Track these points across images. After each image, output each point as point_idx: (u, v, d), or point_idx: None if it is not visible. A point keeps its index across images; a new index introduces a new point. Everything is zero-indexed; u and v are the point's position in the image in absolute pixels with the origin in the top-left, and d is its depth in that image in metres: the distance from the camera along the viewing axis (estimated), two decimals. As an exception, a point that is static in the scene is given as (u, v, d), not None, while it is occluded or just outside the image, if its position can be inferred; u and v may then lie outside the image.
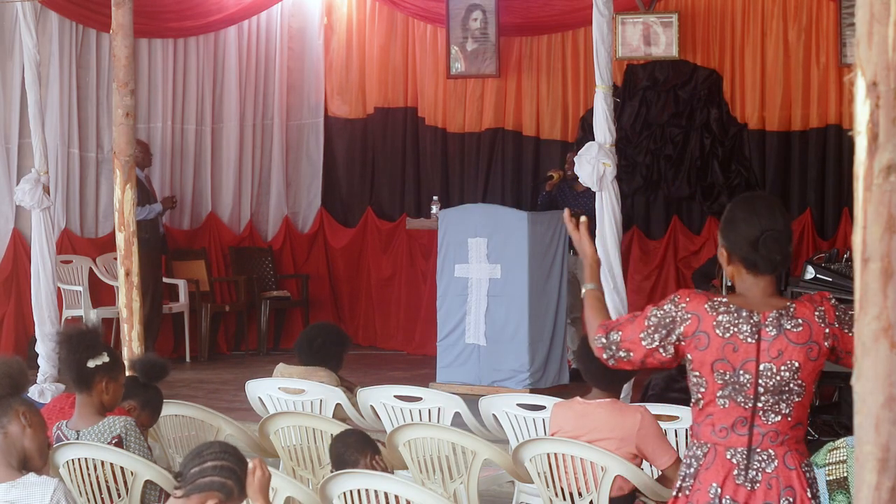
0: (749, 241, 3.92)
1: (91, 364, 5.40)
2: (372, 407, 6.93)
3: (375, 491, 4.92)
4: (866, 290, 2.37)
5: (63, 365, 5.67)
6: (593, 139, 8.81)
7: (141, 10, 9.44)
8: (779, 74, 11.80)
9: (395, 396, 6.93)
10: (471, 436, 6.08)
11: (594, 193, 8.83)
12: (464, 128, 13.24)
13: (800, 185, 11.87)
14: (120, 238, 8.20)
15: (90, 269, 12.09)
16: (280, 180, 13.53)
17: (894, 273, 2.34)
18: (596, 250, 4.34)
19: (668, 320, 3.94)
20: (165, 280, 12.40)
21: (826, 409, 9.19)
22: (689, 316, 3.92)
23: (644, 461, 5.51)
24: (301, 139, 13.74)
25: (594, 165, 8.61)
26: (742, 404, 3.89)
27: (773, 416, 3.89)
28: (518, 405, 6.56)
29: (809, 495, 3.91)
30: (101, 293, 12.09)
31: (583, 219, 4.32)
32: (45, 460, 4.45)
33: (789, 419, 3.90)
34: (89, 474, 5.40)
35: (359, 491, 4.95)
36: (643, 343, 3.95)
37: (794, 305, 3.91)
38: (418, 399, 6.92)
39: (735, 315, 3.89)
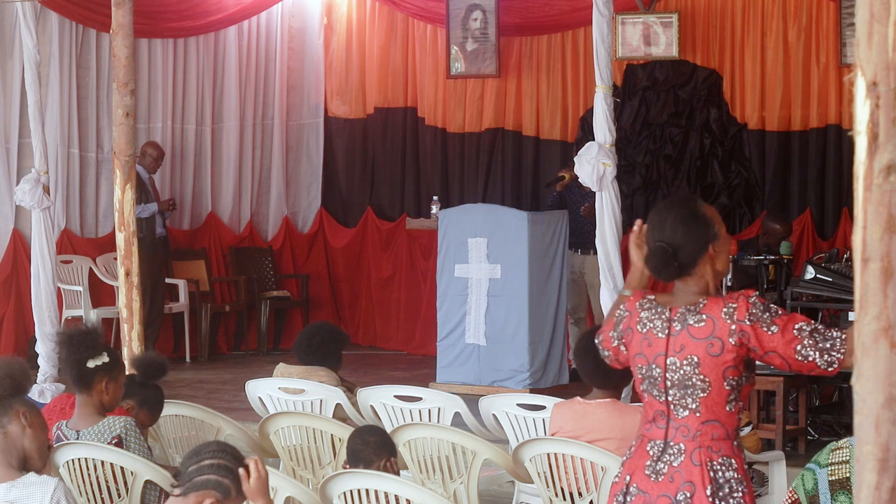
0: (648, 251, 4.09)
1: (91, 364, 5.40)
2: (372, 407, 6.92)
3: (376, 491, 4.93)
4: (866, 290, 2.37)
5: (63, 365, 5.68)
6: (593, 139, 8.80)
7: (141, 10, 9.44)
8: (779, 74, 11.80)
9: (395, 396, 6.93)
10: (471, 436, 6.08)
11: None
12: (464, 128, 13.24)
13: (799, 185, 11.87)
14: (120, 238, 8.20)
15: (90, 269, 12.09)
16: (280, 180, 13.53)
17: (894, 273, 2.34)
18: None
19: (619, 320, 4.16)
20: (166, 280, 12.39)
21: (826, 409, 9.19)
22: (626, 313, 4.13)
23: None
24: (301, 139, 13.74)
25: (594, 165, 8.61)
26: (657, 398, 4.03)
27: (681, 410, 3.99)
28: (518, 405, 6.56)
29: (708, 493, 3.92)
30: (101, 293, 12.09)
31: (638, 222, 4.31)
32: (44, 461, 4.45)
33: (698, 414, 3.97)
34: (89, 474, 5.40)
35: (359, 491, 4.96)
36: (612, 343, 4.20)
37: (704, 301, 3.99)
38: (418, 399, 6.92)
39: (653, 311, 4.05)
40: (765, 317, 3.90)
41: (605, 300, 8.54)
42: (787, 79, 11.79)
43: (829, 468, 4.37)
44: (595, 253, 8.79)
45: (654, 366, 4.01)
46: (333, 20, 13.79)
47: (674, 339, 3.98)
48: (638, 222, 4.31)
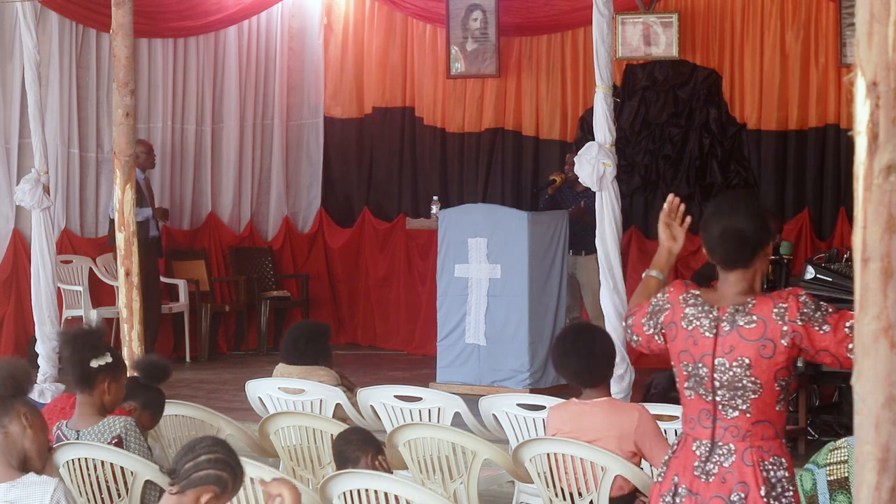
0: (713, 236, 4.01)
1: (94, 364, 5.40)
2: (372, 407, 6.93)
3: (375, 491, 4.93)
4: (866, 290, 2.37)
5: (66, 364, 5.67)
6: (592, 139, 8.80)
7: (141, 10, 9.43)
8: (777, 74, 11.81)
9: (395, 396, 6.93)
10: (471, 436, 6.08)
11: (594, 192, 8.83)
12: (463, 128, 13.24)
13: (798, 184, 11.87)
14: (120, 238, 8.20)
15: (90, 269, 12.09)
16: (280, 180, 13.53)
17: (894, 273, 2.34)
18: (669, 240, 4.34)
19: (656, 309, 4.10)
20: (165, 280, 12.39)
21: (826, 409, 9.19)
22: (668, 306, 4.07)
23: (644, 461, 5.51)
24: (301, 139, 13.74)
25: (594, 165, 8.61)
26: (704, 397, 3.99)
27: (731, 411, 3.95)
28: (518, 405, 6.56)
29: (763, 494, 3.91)
30: (101, 293, 12.09)
31: (672, 197, 4.30)
32: (43, 463, 4.44)
33: (748, 415, 3.95)
34: (89, 474, 5.40)
35: (359, 491, 4.96)
36: (644, 329, 4.14)
37: (753, 301, 3.95)
38: (418, 399, 6.92)
39: (700, 308, 3.99)
40: (816, 316, 3.87)
41: (606, 300, 8.53)
42: (786, 79, 11.79)
43: (828, 468, 4.37)
44: (586, 254, 8.80)
45: (700, 365, 3.96)
46: (333, 20, 13.79)
47: (722, 339, 3.93)
48: (672, 197, 4.30)
